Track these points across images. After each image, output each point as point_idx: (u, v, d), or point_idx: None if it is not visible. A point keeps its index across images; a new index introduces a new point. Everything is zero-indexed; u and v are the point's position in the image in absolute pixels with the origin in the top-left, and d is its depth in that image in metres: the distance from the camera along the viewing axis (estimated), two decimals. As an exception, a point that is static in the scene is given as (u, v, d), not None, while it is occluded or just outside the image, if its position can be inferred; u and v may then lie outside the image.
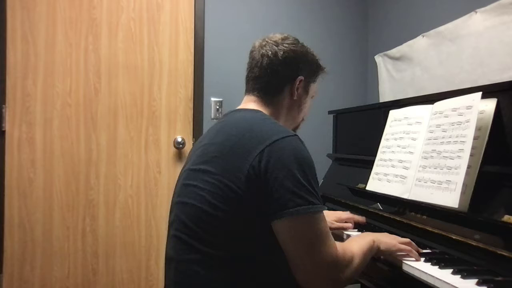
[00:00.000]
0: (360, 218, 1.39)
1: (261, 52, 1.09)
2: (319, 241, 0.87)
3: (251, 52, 1.13)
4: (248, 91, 1.13)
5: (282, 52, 1.07)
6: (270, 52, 1.08)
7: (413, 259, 1.01)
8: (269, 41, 1.10)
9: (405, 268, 0.99)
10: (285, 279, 0.95)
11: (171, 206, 1.09)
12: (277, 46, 1.08)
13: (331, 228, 1.10)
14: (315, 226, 0.87)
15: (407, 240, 1.07)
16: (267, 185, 0.87)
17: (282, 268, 0.93)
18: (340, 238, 1.31)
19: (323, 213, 0.90)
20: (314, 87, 1.18)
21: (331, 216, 1.36)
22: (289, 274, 0.92)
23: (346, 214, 1.41)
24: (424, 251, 1.06)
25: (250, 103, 1.10)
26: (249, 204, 0.89)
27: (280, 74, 1.08)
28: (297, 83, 1.09)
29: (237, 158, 0.90)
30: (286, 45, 1.09)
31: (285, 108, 1.11)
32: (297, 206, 0.85)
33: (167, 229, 1.08)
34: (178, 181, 1.09)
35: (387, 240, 1.06)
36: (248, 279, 0.92)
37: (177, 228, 0.99)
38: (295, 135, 0.94)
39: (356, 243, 0.99)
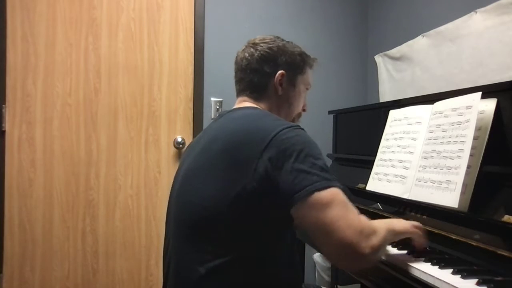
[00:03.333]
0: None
1: (240, 56, 1.14)
2: (344, 211, 0.83)
3: (235, 58, 1.16)
4: (237, 94, 1.16)
5: (258, 52, 1.11)
6: (247, 54, 1.12)
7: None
8: (248, 45, 1.14)
9: (404, 268, 0.99)
10: (285, 279, 0.95)
11: (170, 205, 1.09)
12: (254, 47, 1.12)
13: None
14: (337, 198, 0.84)
15: (417, 223, 1.04)
16: (279, 174, 0.86)
17: (283, 268, 0.93)
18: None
19: (340, 187, 0.88)
20: (303, 79, 1.17)
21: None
22: (290, 275, 0.92)
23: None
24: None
25: (243, 103, 1.12)
26: (259, 198, 0.88)
27: (259, 72, 1.11)
28: (279, 78, 1.10)
29: (244, 152, 0.90)
30: (263, 45, 1.12)
31: (275, 104, 1.12)
32: (314, 182, 0.84)
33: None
34: (175, 181, 1.09)
35: (401, 223, 1.02)
36: (248, 279, 0.91)
37: (179, 227, 0.99)
38: (298, 125, 0.96)
39: (375, 221, 0.94)
